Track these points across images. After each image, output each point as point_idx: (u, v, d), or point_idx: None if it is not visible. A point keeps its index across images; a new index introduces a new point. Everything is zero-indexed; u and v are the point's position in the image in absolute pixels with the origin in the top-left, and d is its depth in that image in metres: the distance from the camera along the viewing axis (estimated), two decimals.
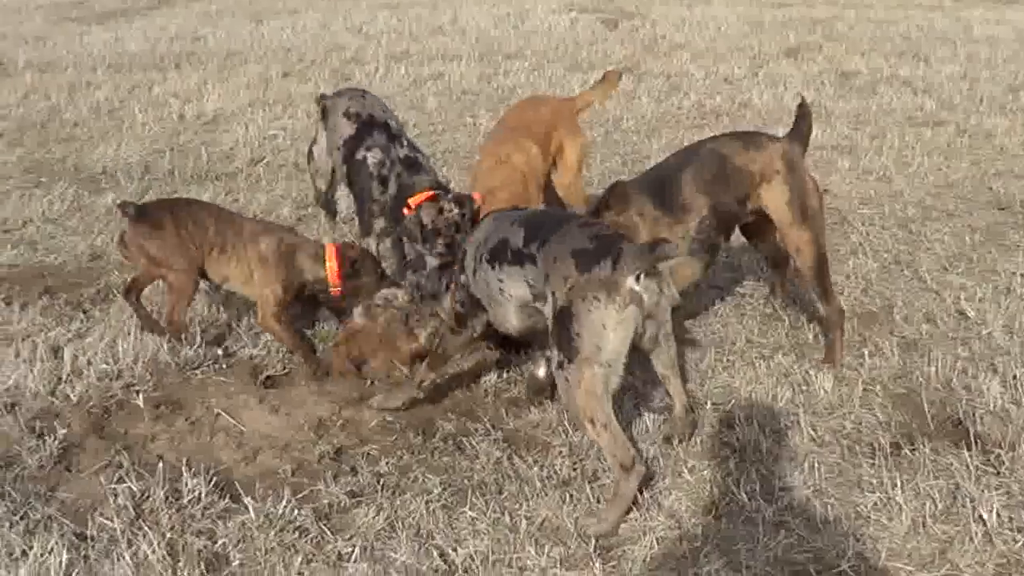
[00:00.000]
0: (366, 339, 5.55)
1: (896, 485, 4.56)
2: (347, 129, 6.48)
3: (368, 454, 4.92)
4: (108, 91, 12.84)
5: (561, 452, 4.92)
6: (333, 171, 6.87)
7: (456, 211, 5.54)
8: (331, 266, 5.65)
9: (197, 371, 5.62)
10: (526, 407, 5.32)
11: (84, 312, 6.40)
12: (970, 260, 7.32)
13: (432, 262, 5.53)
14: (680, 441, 4.91)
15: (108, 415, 5.21)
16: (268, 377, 5.60)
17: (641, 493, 4.52)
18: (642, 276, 4.15)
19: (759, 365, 5.74)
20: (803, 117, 5.62)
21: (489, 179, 6.19)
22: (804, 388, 5.50)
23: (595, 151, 9.85)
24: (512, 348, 5.61)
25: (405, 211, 5.72)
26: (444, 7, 20.25)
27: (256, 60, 14.91)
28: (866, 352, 5.87)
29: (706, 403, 5.36)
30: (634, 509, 4.45)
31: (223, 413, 5.21)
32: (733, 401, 5.39)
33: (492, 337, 5.32)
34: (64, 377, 5.49)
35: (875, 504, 4.51)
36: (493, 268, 4.70)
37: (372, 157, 6.26)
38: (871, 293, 6.79)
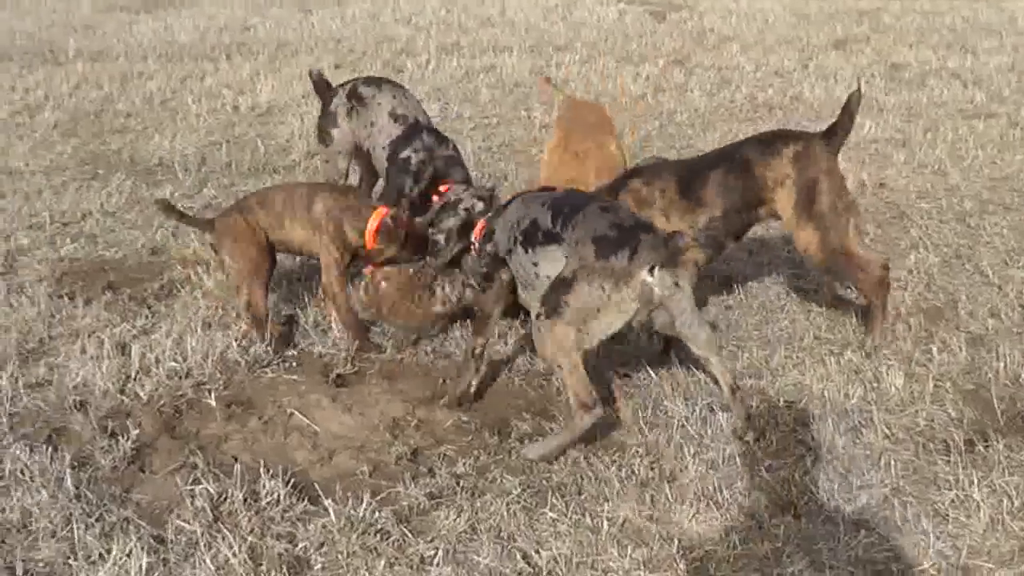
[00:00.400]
0: (389, 290, 5.71)
1: (973, 482, 4.52)
2: (394, 130, 6.74)
3: (445, 455, 4.86)
4: (160, 81, 12.87)
5: (638, 452, 4.86)
6: (358, 157, 7.16)
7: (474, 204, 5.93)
8: (370, 228, 5.70)
9: (267, 369, 5.59)
10: (604, 407, 5.21)
11: (148, 308, 6.37)
12: None
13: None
14: (741, 427, 4.97)
15: (179, 414, 5.18)
16: (339, 375, 5.55)
17: (721, 492, 4.53)
18: (656, 268, 4.40)
19: (829, 362, 5.65)
20: (847, 111, 5.61)
21: (563, 172, 6.43)
22: (875, 385, 5.44)
23: (651, 145, 9.79)
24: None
25: (435, 197, 6.24)
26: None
27: (307, 51, 14.92)
28: (934, 348, 5.81)
29: (779, 400, 5.30)
30: (703, 504, 4.48)
31: (296, 412, 5.16)
32: (805, 398, 5.33)
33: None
34: (133, 375, 5.46)
35: (952, 501, 4.46)
36: (527, 252, 4.86)
37: (416, 156, 6.55)
38: (934, 288, 6.72)
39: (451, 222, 5.87)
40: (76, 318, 6.20)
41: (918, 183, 8.85)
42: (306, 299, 6.43)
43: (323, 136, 7.13)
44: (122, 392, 5.31)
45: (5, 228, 7.67)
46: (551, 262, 4.71)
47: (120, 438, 4.85)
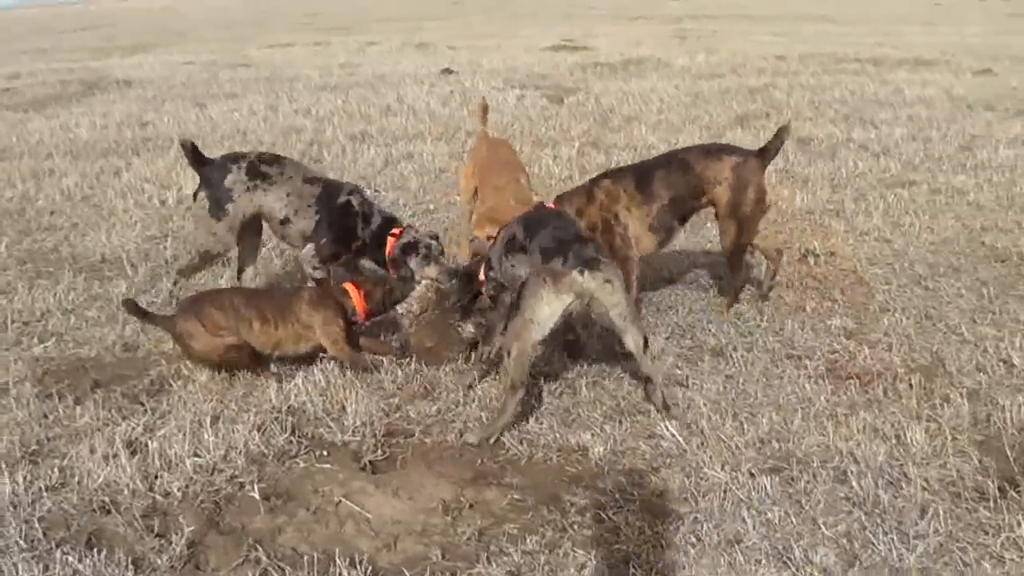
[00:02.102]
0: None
1: (1020, 524, 4.69)
2: (313, 190, 7.33)
3: (509, 533, 4.81)
4: (76, 178, 12.59)
5: (696, 518, 4.87)
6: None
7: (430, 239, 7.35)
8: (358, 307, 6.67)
9: (296, 459, 5.49)
10: (647, 476, 5.25)
11: (142, 405, 6.18)
12: (994, 312, 7.47)
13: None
14: (665, 408, 5.96)
15: (219, 509, 5.03)
16: (370, 462, 5.45)
17: (790, 551, 4.60)
18: (585, 270, 5.42)
19: (847, 422, 5.76)
20: (777, 137, 7.18)
21: (487, 203, 7.85)
22: (898, 441, 5.55)
23: None
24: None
25: (391, 238, 7.33)
26: (383, 89, 20.27)
27: (215, 143, 14.71)
28: (937, 403, 5.98)
29: (811, 461, 5.34)
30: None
31: (344, 500, 5.04)
32: (837, 457, 5.38)
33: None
34: (155, 472, 5.30)
35: (1003, 544, 4.60)
36: (507, 258, 6.07)
37: (355, 199, 7.35)
38: (917, 348, 6.86)
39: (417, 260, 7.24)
40: (74, 418, 6.00)
41: (865, 250, 9.06)
42: (311, 388, 6.30)
43: (215, 210, 7.21)
44: (151, 490, 5.14)
45: None
46: (523, 266, 5.89)
47: (169, 537, 4.72)
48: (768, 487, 5.09)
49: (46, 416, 6.05)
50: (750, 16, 48.90)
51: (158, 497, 5.09)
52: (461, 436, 5.74)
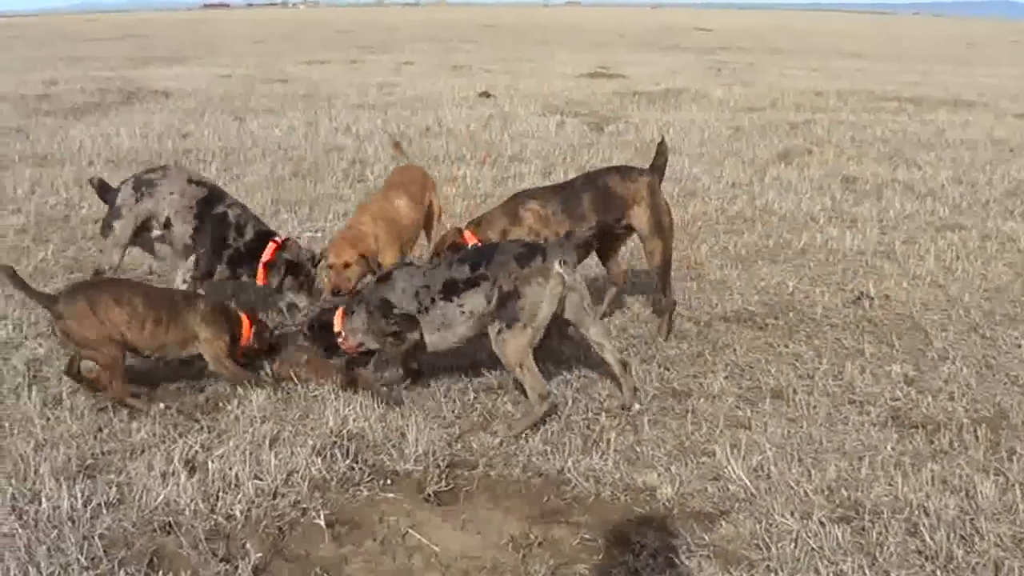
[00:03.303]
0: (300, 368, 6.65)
1: None
2: (198, 192, 7.53)
3: (581, 574, 4.70)
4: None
5: (769, 566, 4.76)
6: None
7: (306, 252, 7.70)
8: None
9: (359, 487, 5.38)
10: (716, 520, 5.14)
11: (197, 421, 6.12)
12: None
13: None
14: (629, 399, 6.39)
15: (283, 535, 4.93)
16: (434, 493, 5.35)
17: None
18: (562, 262, 5.87)
19: (915, 474, 5.61)
20: (660, 155, 7.52)
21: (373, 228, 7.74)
22: (967, 494, 5.41)
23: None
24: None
25: (269, 249, 7.55)
26: (421, 110, 20.27)
27: (257, 159, 14.75)
28: (1004, 456, 5.85)
29: (882, 512, 5.21)
30: None
31: (411, 531, 4.94)
32: (907, 510, 5.25)
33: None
34: (215, 493, 5.21)
35: None
36: (451, 300, 6.11)
37: (232, 212, 7.54)
38: (978, 399, 6.71)
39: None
40: (129, 433, 5.94)
41: (919, 295, 8.95)
42: (370, 414, 6.19)
43: (104, 229, 7.54)
44: (213, 511, 5.05)
45: (15, 338, 7.32)
46: (476, 298, 6.03)
47: (235, 563, 4.63)
48: (839, 537, 4.96)
49: (101, 429, 5.98)
50: (782, 50, 49.01)
51: (220, 519, 5.00)
52: (525, 470, 5.65)
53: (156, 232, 7.59)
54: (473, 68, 32.78)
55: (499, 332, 5.91)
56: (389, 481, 5.45)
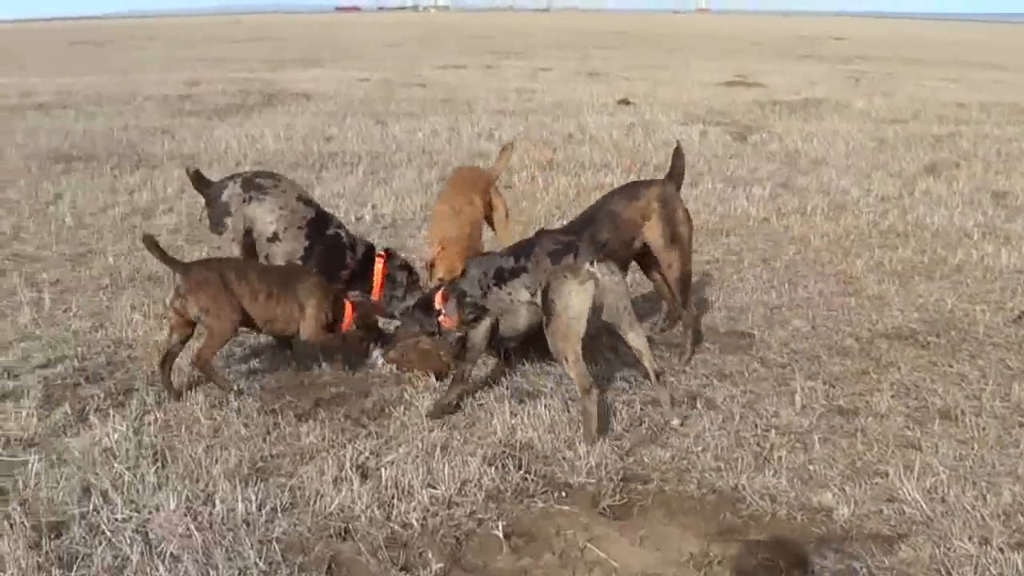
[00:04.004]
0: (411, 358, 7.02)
1: None
2: (308, 212, 7.61)
3: None
4: None
5: None
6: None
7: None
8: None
9: (534, 499, 5.33)
10: (895, 543, 4.99)
11: (363, 427, 6.15)
12: None
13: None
14: (667, 410, 6.37)
15: (460, 545, 4.89)
16: (608, 507, 5.26)
17: None
18: (595, 262, 6.03)
19: None
20: (677, 159, 7.50)
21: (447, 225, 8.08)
22: None
23: (796, 269, 9.66)
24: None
25: (379, 261, 7.75)
26: (562, 116, 20.26)
27: (403, 163, 14.85)
28: None
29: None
30: None
31: (589, 546, 4.88)
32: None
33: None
34: (389, 500, 5.21)
35: None
36: (501, 288, 6.41)
37: (342, 232, 7.71)
38: None
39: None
40: (298, 436, 5.99)
41: None
42: (538, 424, 6.17)
43: (217, 227, 7.55)
44: (389, 519, 5.05)
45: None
46: (521, 289, 6.35)
47: (415, 572, 4.63)
48: (1020, 564, 4.78)
49: (269, 432, 6.05)
50: (918, 60, 48.07)
51: (396, 527, 4.99)
52: (700, 486, 5.55)
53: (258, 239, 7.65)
54: (610, 75, 32.74)
55: (545, 324, 6.11)
56: (563, 494, 5.40)
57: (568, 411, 6.36)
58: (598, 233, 7.13)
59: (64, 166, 14.64)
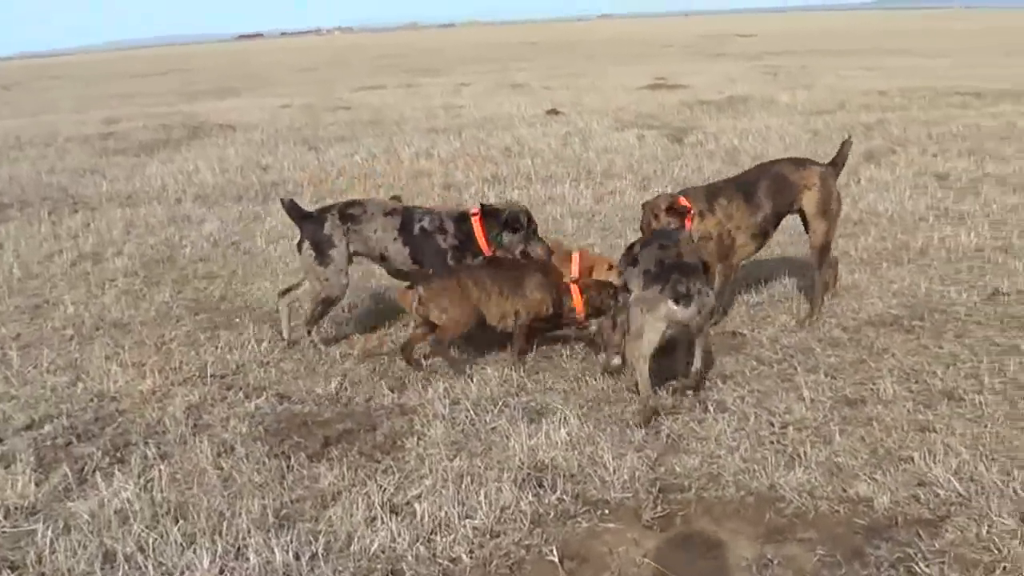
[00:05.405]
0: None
1: None
2: (395, 221, 7.91)
3: None
4: (216, 224, 12.75)
5: (1005, 567, 4.61)
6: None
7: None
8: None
9: (577, 519, 5.24)
10: (939, 525, 5.02)
11: (377, 462, 5.99)
12: None
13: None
14: (687, 389, 6.71)
15: (513, 574, 4.79)
16: (652, 519, 5.21)
17: None
18: (680, 300, 6.15)
19: None
20: (842, 151, 8.28)
21: None
22: None
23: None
24: None
25: (477, 224, 7.86)
26: (495, 130, 20.24)
27: (348, 188, 14.79)
28: None
29: None
30: None
31: (646, 560, 4.81)
32: None
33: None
34: (427, 535, 5.08)
35: None
36: (626, 268, 6.84)
37: (428, 223, 7.89)
38: None
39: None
40: (315, 478, 5.80)
41: None
42: (559, 442, 6.09)
43: (322, 258, 7.83)
44: (435, 556, 4.91)
45: (162, 384, 7.29)
46: (632, 278, 6.67)
47: None
48: None
49: (284, 476, 5.86)
50: (830, 51, 48.70)
51: (445, 562, 4.86)
52: (738, 489, 5.50)
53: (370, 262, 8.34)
54: (532, 86, 32.81)
55: (628, 332, 6.46)
56: (605, 511, 5.30)
57: (585, 427, 6.27)
58: (764, 192, 8.01)
59: None
